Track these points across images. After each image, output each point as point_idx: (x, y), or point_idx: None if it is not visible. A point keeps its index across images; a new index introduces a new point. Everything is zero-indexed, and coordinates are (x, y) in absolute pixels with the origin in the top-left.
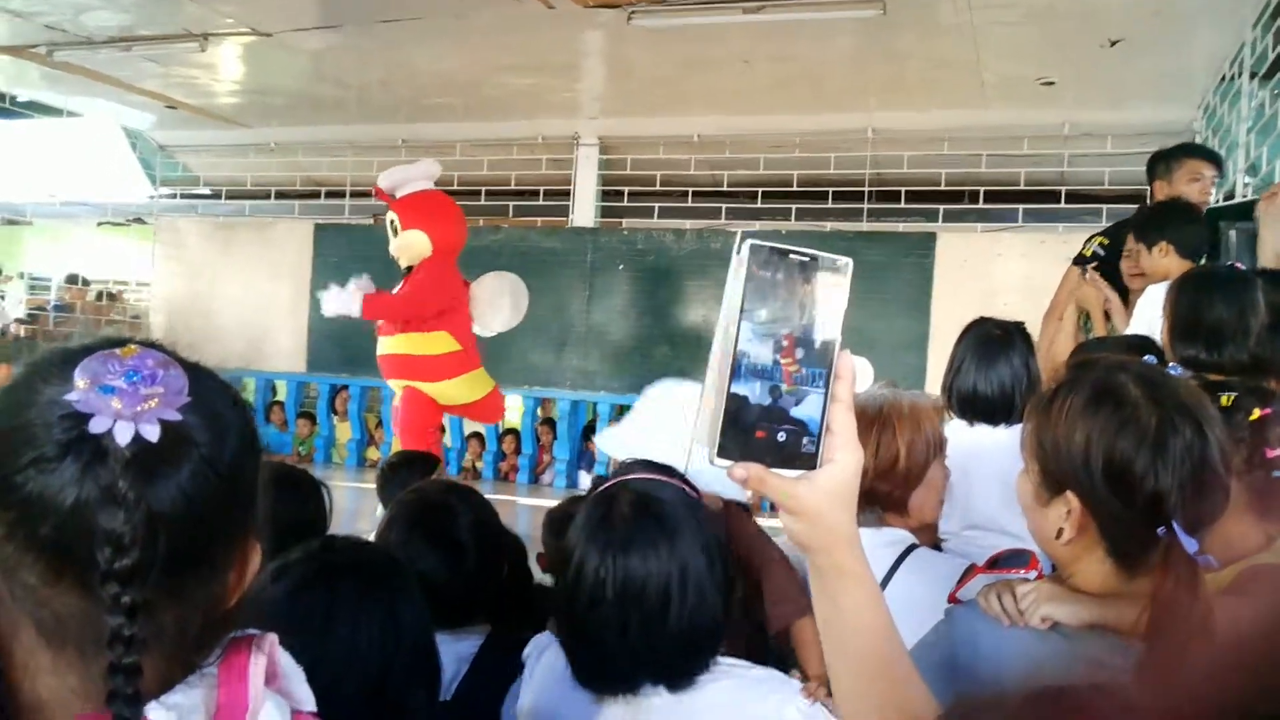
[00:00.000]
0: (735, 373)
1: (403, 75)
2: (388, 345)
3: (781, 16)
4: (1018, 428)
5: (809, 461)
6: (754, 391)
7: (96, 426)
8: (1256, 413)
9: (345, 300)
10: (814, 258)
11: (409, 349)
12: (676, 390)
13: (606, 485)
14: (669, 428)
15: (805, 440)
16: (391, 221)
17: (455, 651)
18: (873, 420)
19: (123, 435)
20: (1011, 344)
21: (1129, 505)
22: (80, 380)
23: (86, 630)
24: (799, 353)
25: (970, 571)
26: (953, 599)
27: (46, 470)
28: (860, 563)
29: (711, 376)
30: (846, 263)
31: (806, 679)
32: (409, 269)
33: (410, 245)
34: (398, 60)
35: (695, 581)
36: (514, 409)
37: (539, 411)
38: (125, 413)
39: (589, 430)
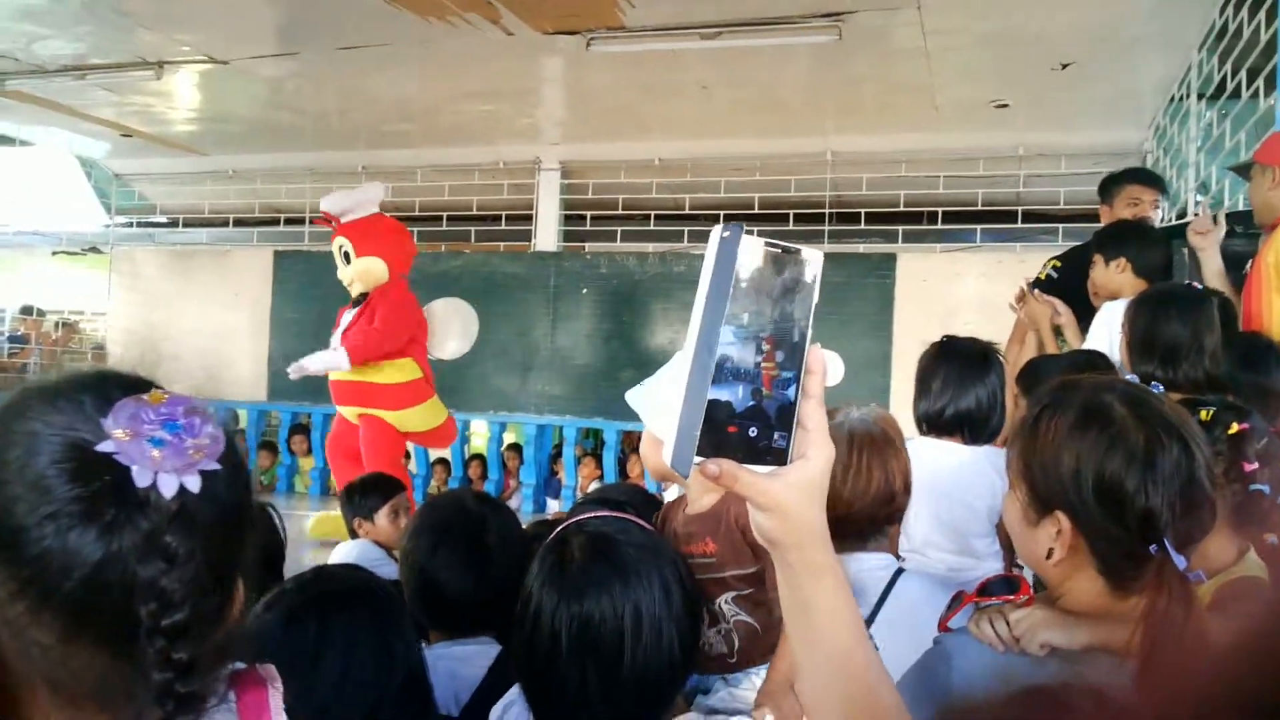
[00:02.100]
0: (715, 375)
1: (362, 102)
2: (352, 373)
3: (739, 43)
4: (988, 448)
5: (780, 457)
6: (737, 394)
7: (140, 480)
8: (1235, 427)
9: (329, 358)
10: (788, 250)
11: (370, 377)
12: None
13: (560, 528)
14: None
15: (777, 435)
16: (341, 248)
17: (470, 660)
18: (872, 445)
19: (167, 488)
20: (989, 364)
21: (1120, 523)
22: (116, 430)
23: (109, 684)
24: (777, 352)
25: (960, 599)
26: (943, 627)
27: (68, 524)
28: (832, 559)
29: (684, 371)
30: (818, 255)
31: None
32: (362, 296)
33: (368, 272)
34: (357, 87)
35: (650, 620)
36: (479, 435)
37: (504, 437)
38: (167, 465)
39: (555, 455)
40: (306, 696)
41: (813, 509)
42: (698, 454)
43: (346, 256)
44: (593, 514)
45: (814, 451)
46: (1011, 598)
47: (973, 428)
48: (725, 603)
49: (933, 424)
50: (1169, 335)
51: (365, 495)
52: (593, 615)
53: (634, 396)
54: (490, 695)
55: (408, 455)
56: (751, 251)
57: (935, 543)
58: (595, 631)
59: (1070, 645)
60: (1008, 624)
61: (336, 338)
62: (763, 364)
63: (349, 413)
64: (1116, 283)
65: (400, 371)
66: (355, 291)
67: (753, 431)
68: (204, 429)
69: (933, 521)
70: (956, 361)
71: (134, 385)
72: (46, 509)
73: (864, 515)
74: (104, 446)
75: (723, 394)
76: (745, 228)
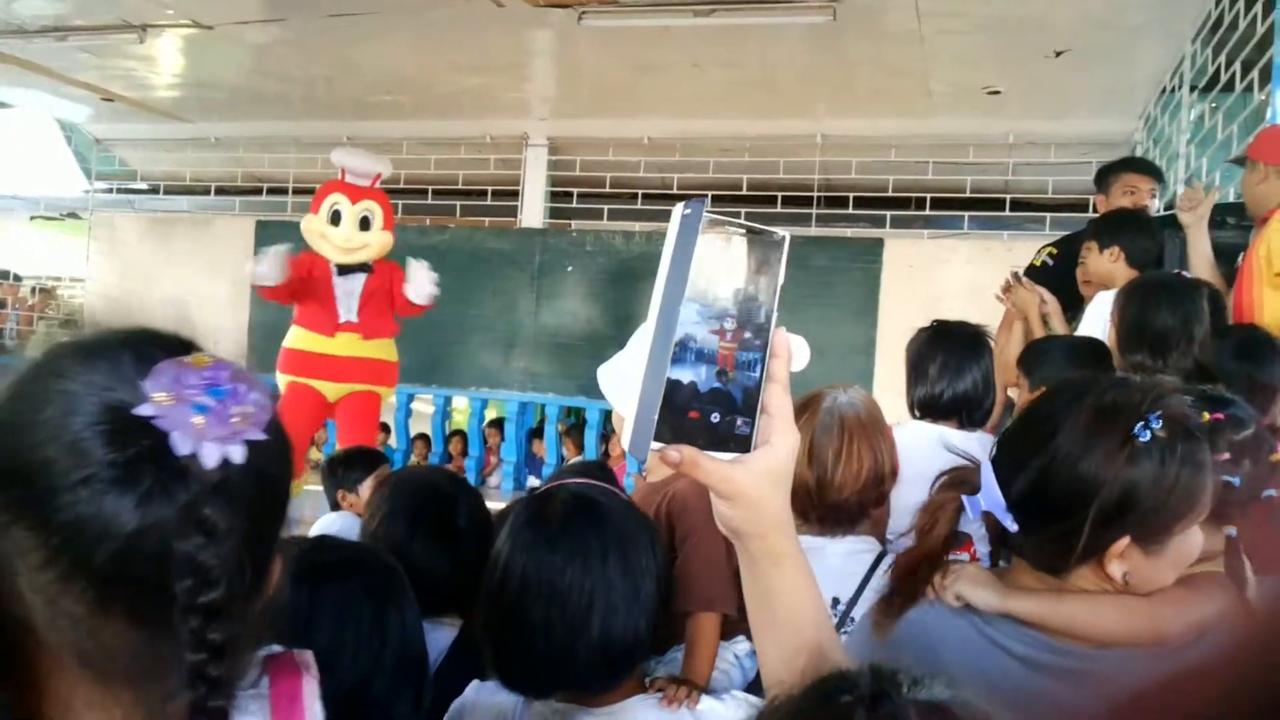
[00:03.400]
0: (676, 357)
1: (348, 71)
2: (358, 347)
3: (732, 20)
4: (980, 433)
5: (743, 444)
6: (699, 376)
7: (181, 448)
8: (1206, 417)
9: (430, 280)
10: (751, 229)
11: (382, 354)
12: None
13: (542, 487)
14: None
15: (740, 421)
16: (364, 212)
17: (433, 641)
18: (857, 430)
19: (209, 458)
20: (981, 347)
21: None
22: (156, 393)
23: (139, 661)
24: (742, 333)
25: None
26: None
27: (103, 490)
28: (796, 546)
29: (644, 352)
30: (784, 236)
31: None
32: (359, 266)
33: (387, 248)
34: (344, 56)
35: (621, 588)
36: (461, 410)
37: (485, 413)
38: (210, 433)
39: (536, 433)
40: None
41: (776, 497)
42: (659, 439)
43: (365, 222)
44: (578, 479)
45: (777, 438)
46: (956, 550)
47: (969, 412)
48: None
49: (929, 408)
50: (1158, 324)
51: (349, 467)
52: (562, 574)
53: (604, 374)
54: (449, 675)
55: (387, 430)
56: (714, 230)
57: None
58: (564, 593)
59: (982, 606)
60: (941, 576)
61: (350, 309)
62: (722, 344)
63: (333, 389)
64: (1108, 271)
65: (392, 350)
66: (357, 259)
67: (715, 417)
68: (249, 396)
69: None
70: (951, 345)
71: (176, 346)
72: (81, 473)
73: (854, 500)
74: (143, 410)
75: (685, 374)
76: (706, 205)
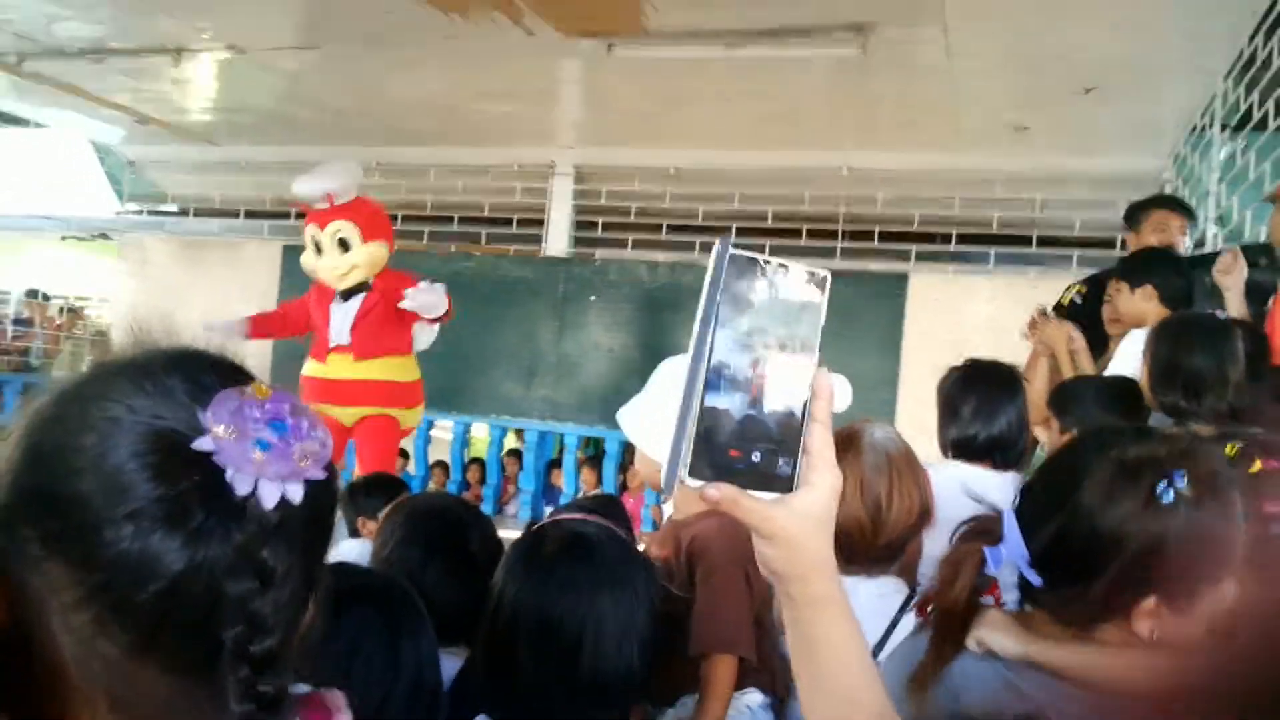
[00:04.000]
0: (711, 384)
1: (379, 98)
2: (356, 370)
3: (762, 53)
4: (1013, 474)
5: (785, 484)
6: (733, 404)
7: (240, 487)
8: (1258, 465)
9: (438, 294)
10: (791, 268)
11: (389, 375)
12: (680, 368)
13: (540, 523)
14: (661, 409)
15: (781, 461)
16: (337, 234)
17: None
18: (904, 466)
19: (269, 498)
20: (1015, 387)
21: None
22: (216, 426)
23: (176, 708)
24: (772, 363)
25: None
26: (921, 613)
27: (149, 528)
28: (839, 591)
29: (683, 388)
30: (825, 275)
31: None
32: (359, 287)
33: (376, 259)
34: (375, 83)
35: (612, 627)
36: (480, 438)
37: (504, 442)
38: (271, 472)
39: (555, 463)
40: None
41: (818, 538)
42: (698, 476)
43: (343, 244)
44: (576, 515)
45: (819, 478)
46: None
47: (1003, 453)
48: None
49: (963, 449)
50: (1192, 365)
51: (370, 494)
52: (553, 610)
53: (625, 416)
54: (454, 706)
55: (406, 456)
56: (749, 265)
57: None
58: (554, 627)
59: (1003, 653)
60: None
61: (342, 331)
62: (756, 374)
63: (348, 414)
64: (1141, 310)
65: (410, 370)
66: (351, 281)
67: (756, 456)
68: (313, 432)
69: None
70: (986, 386)
71: (230, 371)
72: (126, 507)
73: (900, 539)
74: (201, 444)
75: (719, 400)
76: (733, 241)
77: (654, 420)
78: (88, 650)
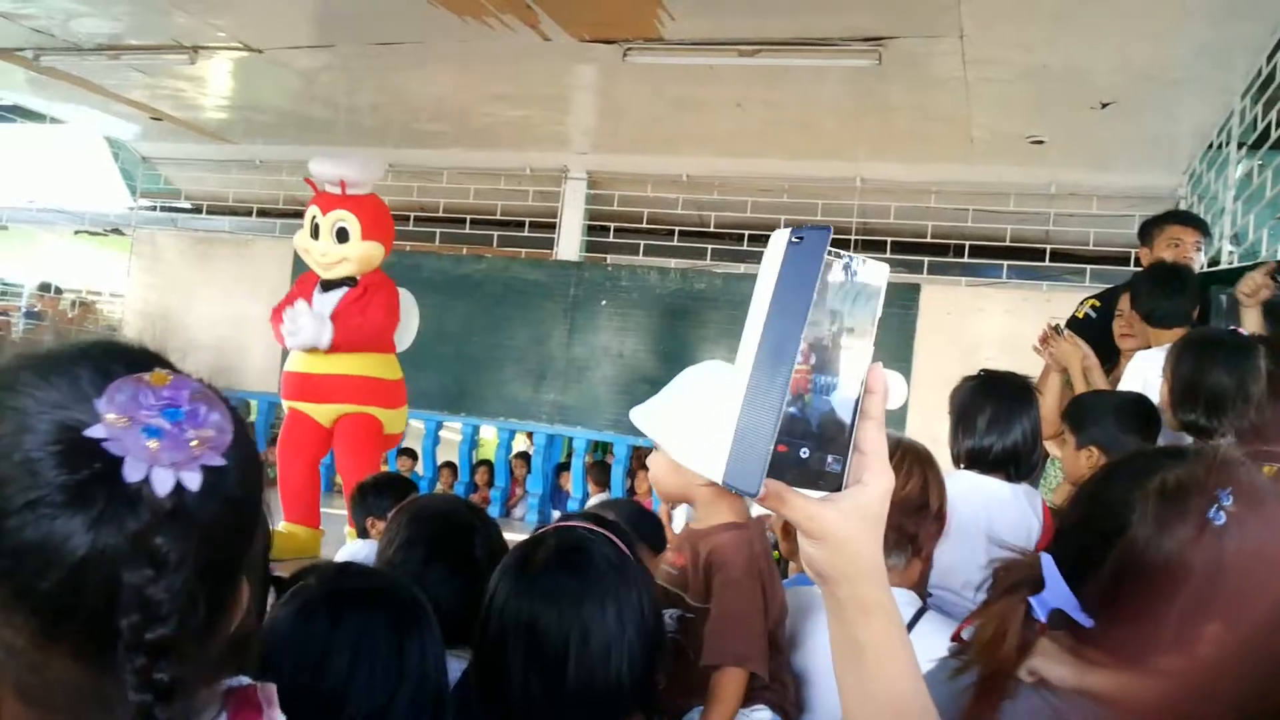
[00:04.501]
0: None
1: (393, 99)
2: (333, 364)
3: (777, 61)
4: (1025, 486)
5: (834, 482)
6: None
7: (131, 474)
8: None
9: (316, 329)
10: (853, 259)
11: (368, 370)
12: (712, 374)
13: (538, 531)
14: (693, 414)
15: (830, 459)
16: (338, 223)
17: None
18: (916, 455)
19: (162, 485)
20: (1029, 399)
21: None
22: (109, 413)
23: (84, 699)
24: (811, 357)
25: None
26: (956, 637)
27: (50, 515)
28: (887, 596)
29: (742, 382)
30: (884, 269)
31: None
32: (345, 279)
33: (370, 258)
34: (390, 84)
35: (599, 638)
36: (488, 440)
37: (512, 444)
38: (165, 458)
39: (562, 467)
40: (310, 693)
41: (867, 540)
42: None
43: (341, 234)
44: (575, 524)
45: (870, 477)
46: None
47: (1016, 464)
48: (669, 616)
49: (977, 460)
50: (1213, 383)
51: (379, 495)
52: (540, 619)
53: (641, 415)
54: (458, 708)
55: (415, 456)
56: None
57: (975, 584)
58: (540, 636)
59: (1057, 683)
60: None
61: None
62: (797, 368)
63: (325, 412)
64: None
65: (392, 368)
66: (338, 273)
67: (804, 452)
68: (209, 417)
69: (975, 562)
70: (1000, 396)
71: (138, 360)
72: (29, 495)
73: (892, 520)
74: (93, 432)
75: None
76: (830, 232)
77: (684, 425)
78: None
